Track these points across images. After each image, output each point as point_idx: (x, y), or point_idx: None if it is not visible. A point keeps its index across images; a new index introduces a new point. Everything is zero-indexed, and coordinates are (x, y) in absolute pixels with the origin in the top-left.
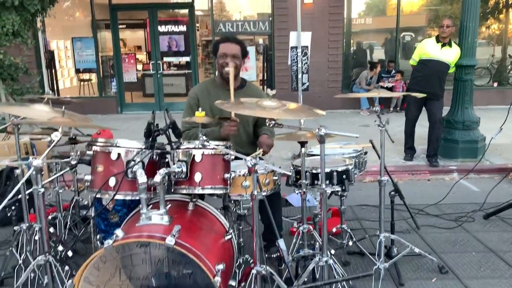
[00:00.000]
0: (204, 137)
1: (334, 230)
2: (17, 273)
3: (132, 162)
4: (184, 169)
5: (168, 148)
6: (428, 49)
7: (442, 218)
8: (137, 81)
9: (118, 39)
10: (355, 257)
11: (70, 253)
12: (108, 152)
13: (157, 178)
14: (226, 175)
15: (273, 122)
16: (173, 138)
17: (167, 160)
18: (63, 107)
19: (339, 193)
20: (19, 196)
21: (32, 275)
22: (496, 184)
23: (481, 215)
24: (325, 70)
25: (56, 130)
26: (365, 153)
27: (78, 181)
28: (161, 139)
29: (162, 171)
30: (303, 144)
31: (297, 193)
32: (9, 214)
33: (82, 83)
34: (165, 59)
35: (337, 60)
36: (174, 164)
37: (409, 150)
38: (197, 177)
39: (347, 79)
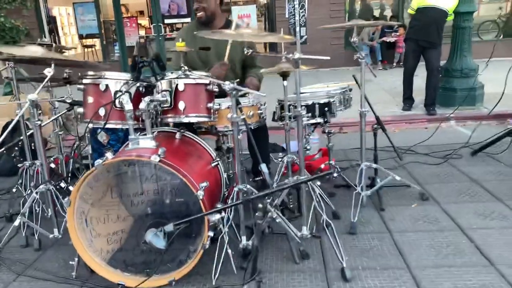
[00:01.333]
0: (186, 67)
1: (322, 166)
2: (23, 205)
3: (119, 93)
4: (168, 99)
5: (153, 80)
6: None
7: (431, 156)
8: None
9: (119, 3)
10: (342, 189)
11: (71, 188)
12: (97, 84)
13: (142, 105)
14: (210, 104)
15: (250, 50)
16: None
17: (153, 93)
18: (52, 42)
19: (324, 127)
20: (21, 138)
21: (38, 209)
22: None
23: (469, 153)
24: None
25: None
26: (350, 89)
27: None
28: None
29: (147, 98)
30: (284, 76)
31: (280, 124)
32: (13, 155)
33: (86, 49)
34: (167, 21)
35: (340, 16)
36: (158, 94)
37: (407, 100)
38: (181, 105)
39: (351, 35)
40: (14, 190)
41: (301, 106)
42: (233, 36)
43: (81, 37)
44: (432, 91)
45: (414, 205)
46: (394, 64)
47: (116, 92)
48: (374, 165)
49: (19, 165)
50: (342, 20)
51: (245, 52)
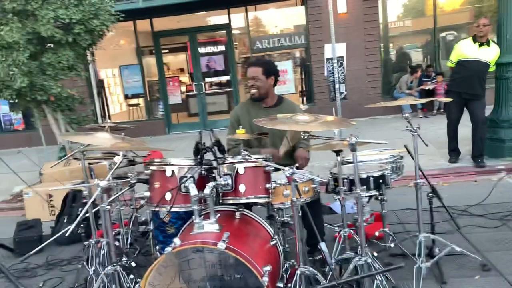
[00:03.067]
0: (246, 152)
1: (376, 234)
2: (89, 283)
3: (185, 178)
4: (230, 182)
5: (214, 163)
6: (464, 50)
7: (487, 218)
8: (182, 102)
9: (162, 64)
10: (398, 259)
11: (133, 264)
12: (163, 170)
13: (207, 190)
14: (268, 185)
15: (307, 134)
16: (219, 154)
17: (214, 175)
18: (122, 133)
19: (379, 198)
20: (87, 215)
21: (102, 285)
22: None
23: None
24: (364, 77)
25: (115, 154)
26: (401, 157)
27: (136, 199)
28: (208, 156)
29: (211, 184)
30: (338, 152)
31: (336, 199)
32: (78, 231)
33: (130, 108)
34: (207, 79)
35: (376, 66)
36: (220, 177)
37: (453, 152)
38: (241, 188)
39: (388, 84)
40: (79, 265)
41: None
42: (293, 127)
43: (126, 97)
44: (480, 143)
45: (477, 277)
46: (435, 111)
47: (181, 178)
48: (433, 236)
49: (85, 243)
50: (378, 70)
51: (303, 136)
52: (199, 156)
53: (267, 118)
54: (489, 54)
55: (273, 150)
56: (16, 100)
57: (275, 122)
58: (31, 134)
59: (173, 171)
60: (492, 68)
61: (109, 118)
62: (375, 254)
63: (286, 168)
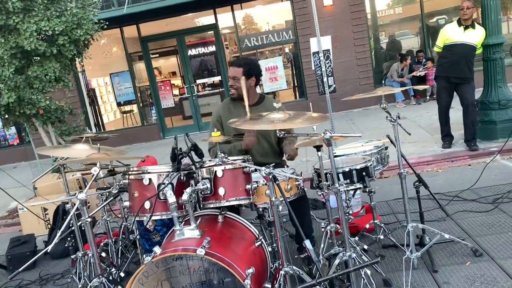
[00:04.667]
0: (223, 154)
1: (367, 226)
2: None
3: (162, 185)
4: (209, 185)
5: (193, 168)
6: (450, 34)
7: (479, 202)
8: (175, 105)
9: (152, 69)
10: (391, 250)
11: (122, 274)
12: (140, 178)
13: (184, 196)
14: (248, 186)
15: (283, 132)
16: (196, 159)
17: (194, 179)
18: (98, 144)
19: (367, 190)
20: (73, 228)
21: None
22: None
23: None
24: (354, 68)
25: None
26: (386, 148)
27: (125, 208)
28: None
29: (189, 189)
30: (318, 148)
31: (319, 194)
32: (66, 245)
33: (124, 115)
34: (198, 81)
35: (366, 57)
36: (199, 182)
37: (446, 137)
38: (221, 191)
39: (379, 73)
40: (69, 280)
41: (338, 174)
42: (266, 126)
43: (119, 104)
44: (471, 126)
45: (468, 263)
46: (428, 97)
47: (159, 185)
48: (421, 225)
49: (72, 256)
50: (368, 60)
51: (278, 135)
52: (176, 162)
53: (240, 119)
54: (475, 36)
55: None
56: (6, 116)
57: (249, 123)
58: (26, 149)
59: (150, 179)
60: (479, 51)
61: (103, 126)
62: (365, 247)
63: (263, 168)
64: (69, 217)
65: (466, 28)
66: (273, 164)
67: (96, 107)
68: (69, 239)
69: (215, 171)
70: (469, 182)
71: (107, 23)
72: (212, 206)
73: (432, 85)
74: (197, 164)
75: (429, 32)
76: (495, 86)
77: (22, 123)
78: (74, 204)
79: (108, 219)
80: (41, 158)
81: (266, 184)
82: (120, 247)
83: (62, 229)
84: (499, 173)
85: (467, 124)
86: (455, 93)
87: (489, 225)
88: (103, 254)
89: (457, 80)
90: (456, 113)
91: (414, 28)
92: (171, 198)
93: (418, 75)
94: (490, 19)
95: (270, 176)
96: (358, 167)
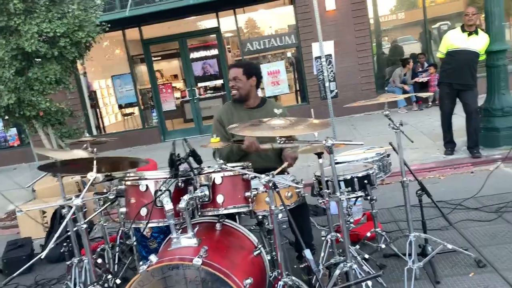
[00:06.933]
0: (222, 161)
1: (368, 234)
2: None
3: (159, 192)
4: (207, 193)
5: (191, 174)
6: (453, 40)
7: (482, 211)
8: (177, 108)
9: (154, 71)
10: (392, 259)
11: (118, 281)
12: (137, 185)
13: (182, 204)
14: (247, 194)
15: (283, 139)
16: (195, 165)
17: (192, 185)
18: (95, 149)
19: (368, 198)
20: (69, 233)
21: None
22: None
23: None
24: (356, 73)
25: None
26: (388, 155)
27: (121, 214)
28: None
29: (186, 197)
30: (319, 155)
31: (320, 202)
32: (61, 251)
33: (125, 117)
34: (200, 84)
35: (368, 62)
36: (197, 188)
37: (449, 144)
38: (219, 198)
39: (382, 79)
40: (64, 286)
41: (339, 181)
42: (266, 132)
43: (120, 106)
44: (474, 133)
45: (471, 274)
46: (430, 103)
47: (156, 192)
48: (423, 235)
49: (68, 262)
50: (370, 65)
51: (278, 142)
52: (174, 168)
53: (240, 125)
54: (478, 43)
55: (254, 140)
56: (6, 117)
57: (249, 129)
58: (26, 150)
59: (147, 186)
60: (482, 57)
61: (104, 129)
62: (366, 256)
63: (263, 176)
64: (64, 223)
65: (469, 34)
66: (274, 172)
67: (97, 109)
68: (65, 244)
69: (214, 178)
70: (471, 190)
71: (109, 25)
72: (210, 213)
73: (435, 91)
74: (195, 170)
75: (431, 38)
76: (498, 93)
77: (22, 125)
78: (71, 208)
79: (105, 224)
80: (40, 159)
81: (265, 192)
82: (117, 253)
83: (57, 234)
84: (502, 181)
85: (469, 131)
86: (458, 100)
87: (492, 235)
88: (99, 261)
89: (460, 86)
90: (458, 119)
91: (417, 33)
92: (168, 205)
93: (420, 81)
94: (494, 25)
95: (270, 184)
96: (360, 174)
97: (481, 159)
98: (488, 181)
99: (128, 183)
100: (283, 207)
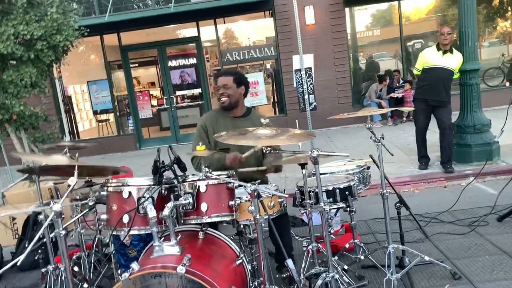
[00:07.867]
0: (207, 169)
1: (347, 245)
2: None
3: (142, 199)
4: (191, 201)
5: (175, 182)
6: (429, 58)
7: (456, 224)
8: (153, 116)
9: (131, 78)
10: (370, 271)
11: None
12: (120, 191)
13: (166, 211)
14: (231, 202)
15: (269, 148)
16: (179, 172)
17: (175, 193)
18: (77, 153)
19: (348, 209)
20: (45, 240)
21: None
22: (506, 183)
23: (495, 218)
24: (334, 87)
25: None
26: (368, 167)
27: (99, 220)
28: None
29: (170, 204)
30: (303, 165)
31: (303, 213)
32: (36, 258)
33: (100, 123)
34: (178, 92)
35: (345, 76)
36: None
37: (423, 158)
38: (203, 207)
39: (358, 93)
40: None
41: (322, 192)
42: (252, 142)
43: (95, 112)
44: (447, 149)
45: (447, 286)
46: (404, 118)
47: (139, 199)
48: (402, 247)
49: (43, 270)
50: (347, 79)
51: (264, 151)
52: (158, 175)
53: (226, 134)
54: (453, 61)
55: (237, 153)
56: None
57: (236, 138)
58: None
59: (130, 192)
60: (456, 75)
61: (78, 135)
62: (346, 267)
63: (248, 185)
64: (42, 229)
65: (444, 52)
66: (258, 180)
67: (72, 114)
68: (39, 251)
69: (198, 186)
70: (445, 203)
71: (88, 30)
72: (193, 222)
73: (409, 106)
74: (179, 178)
75: (407, 55)
76: (471, 110)
77: None
78: (47, 215)
79: (82, 231)
80: (11, 164)
81: (248, 201)
82: (92, 261)
83: (34, 241)
84: (474, 196)
85: (443, 146)
86: (432, 116)
87: (466, 248)
88: (76, 268)
89: (435, 103)
90: (432, 135)
91: (392, 50)
92: (152, 213)
93: (396, 96)
94: (468, 45)
95: (255, 193)
96: (341, 186)
97: (454, 174)
98: (461, 196)
99: (111, 189)
100: (266, 216)
